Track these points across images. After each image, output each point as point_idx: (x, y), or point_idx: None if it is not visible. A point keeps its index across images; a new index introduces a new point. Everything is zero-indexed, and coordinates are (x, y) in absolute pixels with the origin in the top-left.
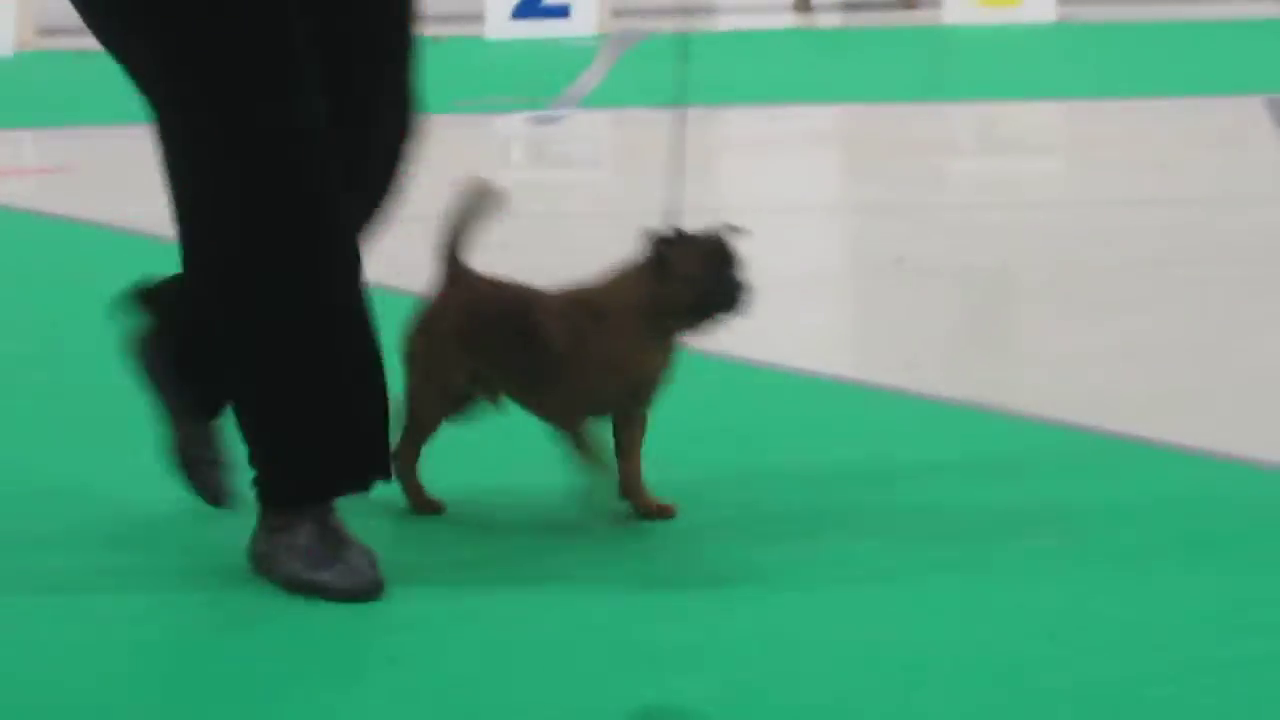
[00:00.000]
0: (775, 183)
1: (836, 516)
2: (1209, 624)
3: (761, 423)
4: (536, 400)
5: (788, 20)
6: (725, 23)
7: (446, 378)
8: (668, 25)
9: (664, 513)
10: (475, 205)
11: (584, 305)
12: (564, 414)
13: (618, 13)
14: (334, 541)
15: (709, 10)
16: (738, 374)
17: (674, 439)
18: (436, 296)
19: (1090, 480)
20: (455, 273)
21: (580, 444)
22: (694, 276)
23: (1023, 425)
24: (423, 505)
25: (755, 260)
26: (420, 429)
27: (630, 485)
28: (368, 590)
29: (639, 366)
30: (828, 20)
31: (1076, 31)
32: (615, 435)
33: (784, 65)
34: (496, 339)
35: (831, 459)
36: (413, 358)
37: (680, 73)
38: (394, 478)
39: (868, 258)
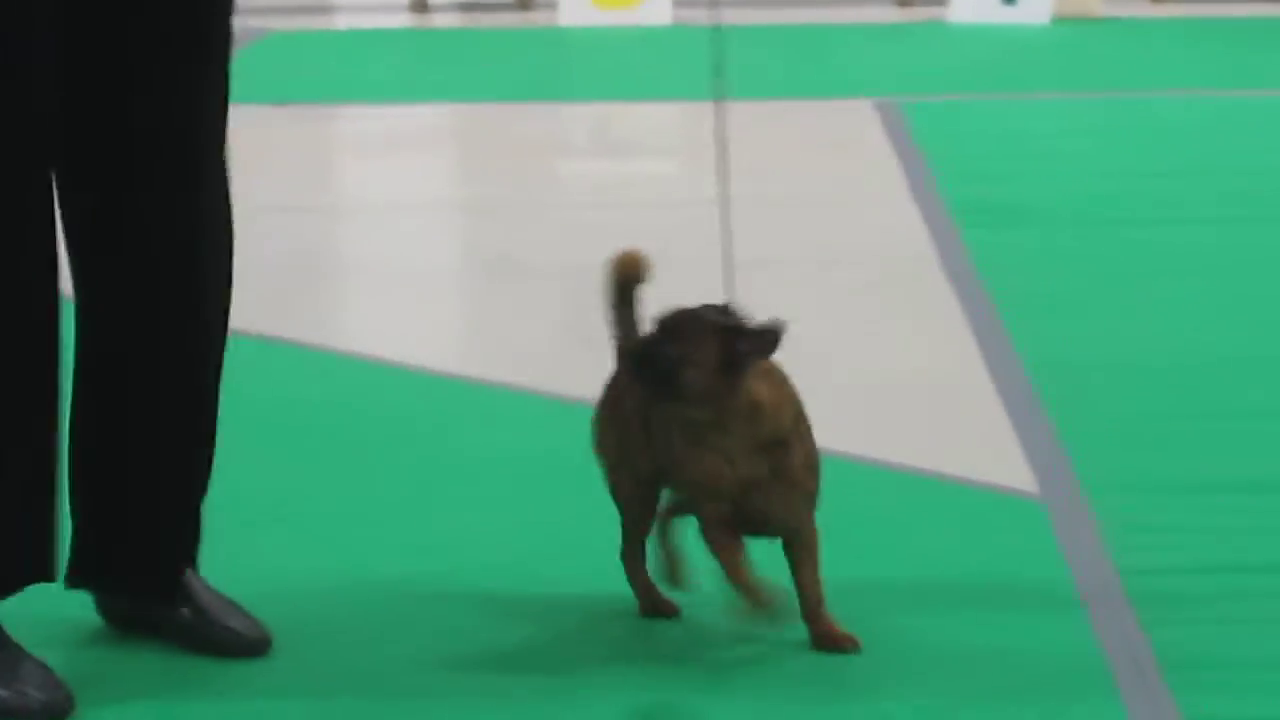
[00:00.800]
0: (387, 180)
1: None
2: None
3: (363, 416)
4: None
5: (405, 20)
6: (343, 21)
7: (634, 464)
8: (283, 23)
9: (845, 643)
10: (631, 278)
11: None
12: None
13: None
14: (5, 655)
15: (326, 9)
16: (350, 368)
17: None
18: (612, 379)
19: None
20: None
21: (719, 551)
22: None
23: None
24: (653, 606)
25: (367, 256)
26: (632, 524)
27: (808, 609)
28: (62, 707)
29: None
30: (444, 20)
31: (692, 34)
32: (784, 550)
33: (400, 64)
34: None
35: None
36: (602, 448)
37: (718, 67)
38: None
39: (475, 256)
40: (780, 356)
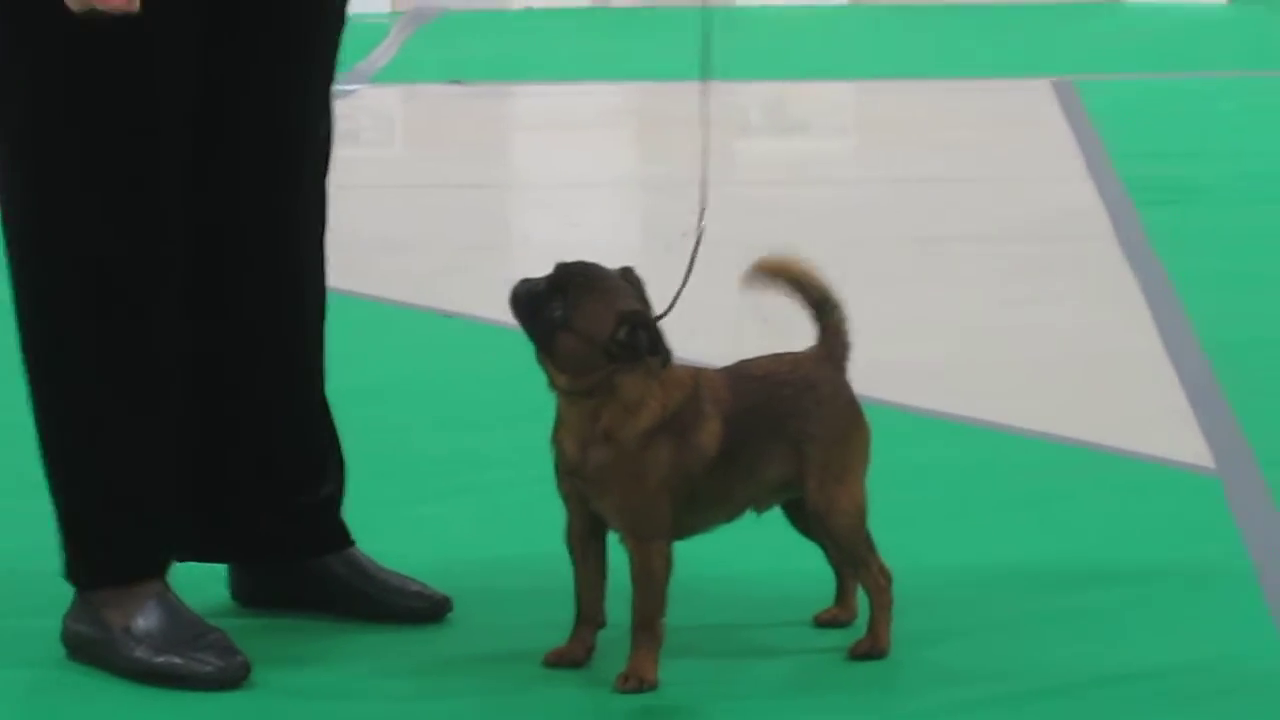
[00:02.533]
0: (564, 158)
1: None
2: (979, 589)
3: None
4: None
5: (580, 1)
6: (517, 1)
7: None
8: (459, 3)
9: (636, 687)
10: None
11: None
12: None
13: None
14: (182, 621)
15: None
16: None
17: None
18: None
19: None
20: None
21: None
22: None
23: None
24: (580, 615)
25: (544, 233)
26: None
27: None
28: (236, 674)
29: None
30: (620, 1)
31: (866, 13)
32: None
33: (576, 43)
34: None
35: None
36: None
37: (705, 49)
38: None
39: (656, 233)
40: (946, 330)
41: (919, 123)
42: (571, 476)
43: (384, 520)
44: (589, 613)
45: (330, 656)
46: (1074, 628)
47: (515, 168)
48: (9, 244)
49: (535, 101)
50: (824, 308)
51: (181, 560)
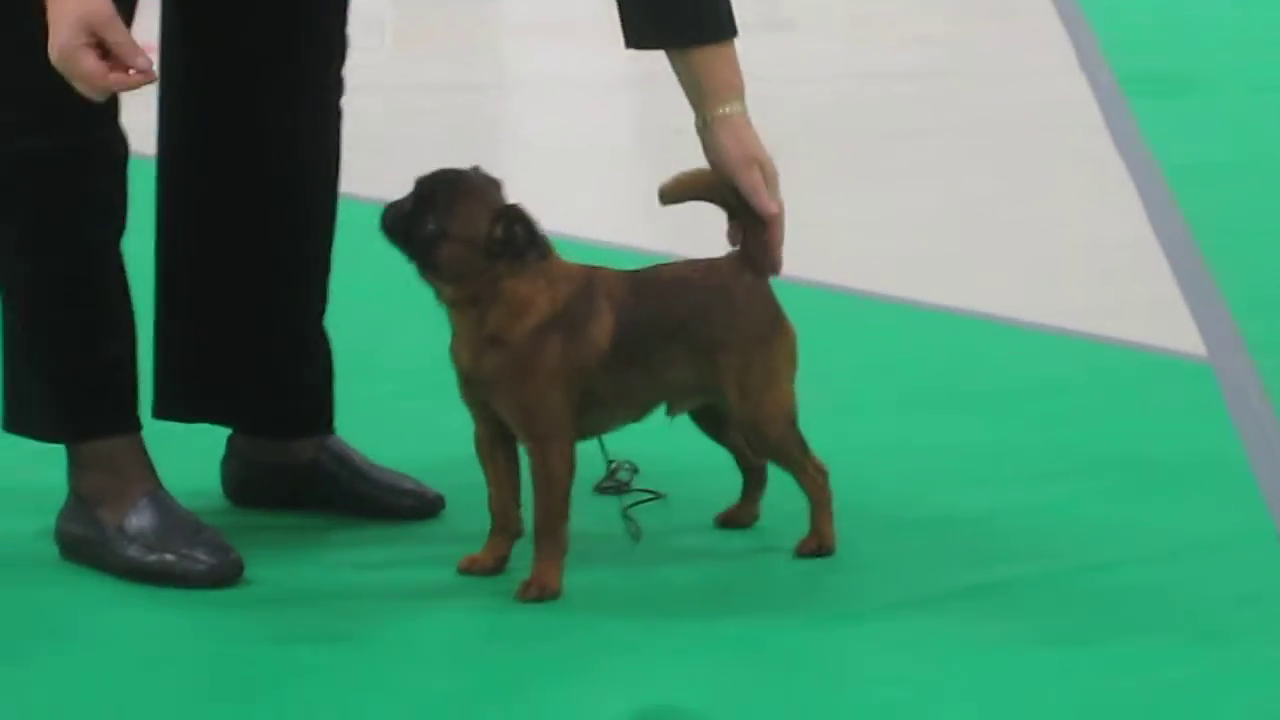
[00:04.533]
0: (556, 58)
1: None
2: (971, 472)
3: None
4: None
5: None
6: None
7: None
8: None
9: (539, 593)
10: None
11: None
12: None
13: None
14: (176, 519)
15: None
16: None
17: None
18: None
19: (848, 337)
20: None
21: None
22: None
23: (793, 289)
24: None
25: (535, 131)
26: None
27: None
28: (229, 571)
29: None
30: None
31: None
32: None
33: None
34: None
35: None
36: None
37: None
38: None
39: (646, 130)
40: (936, 222)
41: (905, 17)
42: (469, 385)
43: (375, 416)
44: (502, 522)
45: (324, 554)
46: (1061, 517)
47: (504, 68)
48: None
49: (526, 2)
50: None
51: (164, 418)
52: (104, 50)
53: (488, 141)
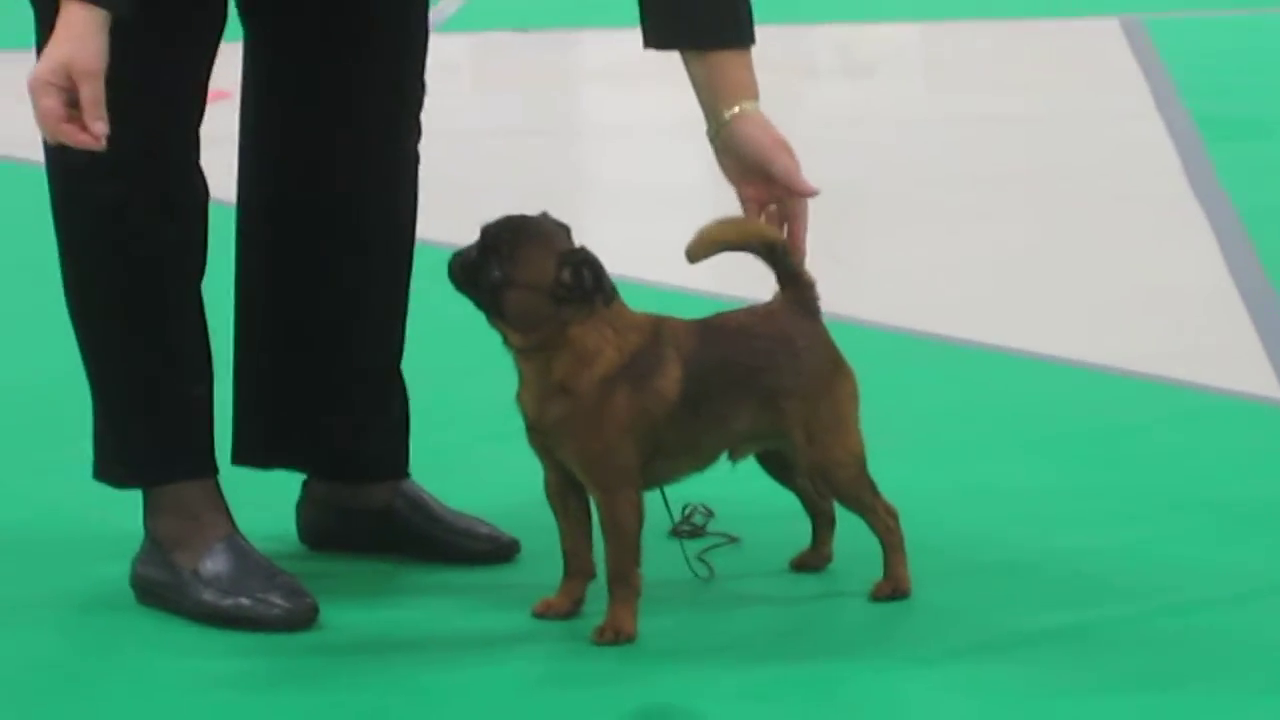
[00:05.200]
0: (629, 104)
1: None
2: (1046, 515)
3: None
4: None
5: None
6: None
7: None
8: None
9: (615, 638)
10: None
11: None
12: None
13: None
14: (251, 564)
15: None
16: None
17: None
18: None
19: (924, 380)
20: None
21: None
22: None
23: (865, 332)
24: (567, 568)
25: (608, 176)
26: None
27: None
28: (304, 616)
29: None
30: None
31: None
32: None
33: None
34: None
35: None
36: None
37: None
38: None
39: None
40: (1024, 268)
41: (985, 63)
42: (535, 433)
43: (449, 462)
44: (575, 565)
45: (398, 599)
46: (1135, 561)
47: (575, 113)
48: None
49: (598, 48)
50: (776, 258)
51: (242, 464)
52: (75, 99)
53: (559, 185)
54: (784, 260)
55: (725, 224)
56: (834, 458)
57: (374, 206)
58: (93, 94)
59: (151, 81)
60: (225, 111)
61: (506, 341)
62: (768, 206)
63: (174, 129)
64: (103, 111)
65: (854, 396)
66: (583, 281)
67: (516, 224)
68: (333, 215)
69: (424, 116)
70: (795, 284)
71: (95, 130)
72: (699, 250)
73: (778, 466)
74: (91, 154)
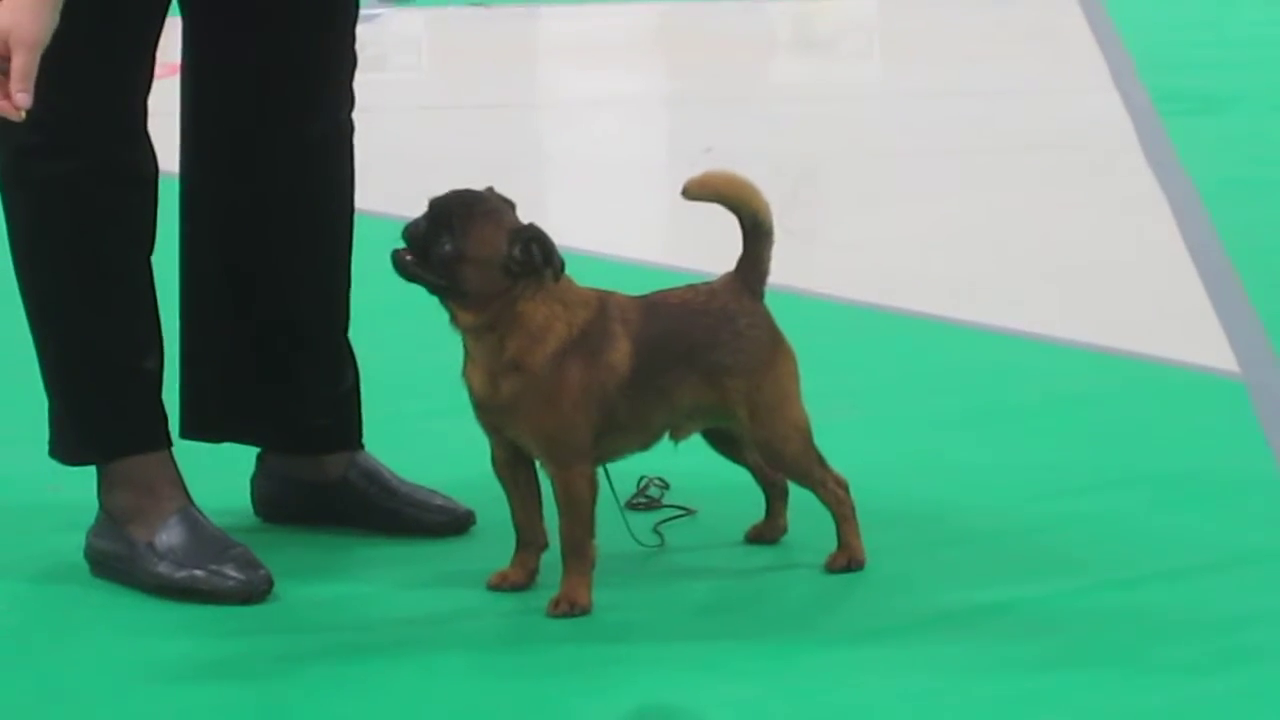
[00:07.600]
0: (589, 78)
1: None
2: (1004, 493)
3: None
4: None
5: None
6: None
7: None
8: None
9: (568, 610)
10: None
11: None
12: None
13: None
14: (205, 536)
15: None
16: None
17: None
18: None
19: (881, 353)
20: None
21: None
22: None
23: (821, 305)
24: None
25: (569, 150)
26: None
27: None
28: (259, 588)
29: None
30: None
31: None
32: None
33: None
34: None
35: None
36: None
37: None
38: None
39: (678, 148)
40: (975, 241)
41: (942, 38)
42: (485, 411)
43: (404, 434)
44: (527, 537)
45: (353, 570)
46: (1087, 534)
47: (537, 88)
48: None
49: (556, 24)
50: (754, 232)
51: (191, 438)
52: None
53: (520, 160)
54: (760, 241)
55: (733, 180)
56: (779, 433)
57: (312, 176)
58: (23, 65)
59: (100, 51)
60: (174, 85)
61: (454, 321)
62: None
63: (121, 98)
64: (30, 84)
65: (795, 372)
66: (532, 257)
67: (468, 199)
68: (271, 186)
69: (385, 91)
70: (752, 267)
71: (17, 101)
72: (697, 191)
73: (725, 442)
74: (39, 124)
